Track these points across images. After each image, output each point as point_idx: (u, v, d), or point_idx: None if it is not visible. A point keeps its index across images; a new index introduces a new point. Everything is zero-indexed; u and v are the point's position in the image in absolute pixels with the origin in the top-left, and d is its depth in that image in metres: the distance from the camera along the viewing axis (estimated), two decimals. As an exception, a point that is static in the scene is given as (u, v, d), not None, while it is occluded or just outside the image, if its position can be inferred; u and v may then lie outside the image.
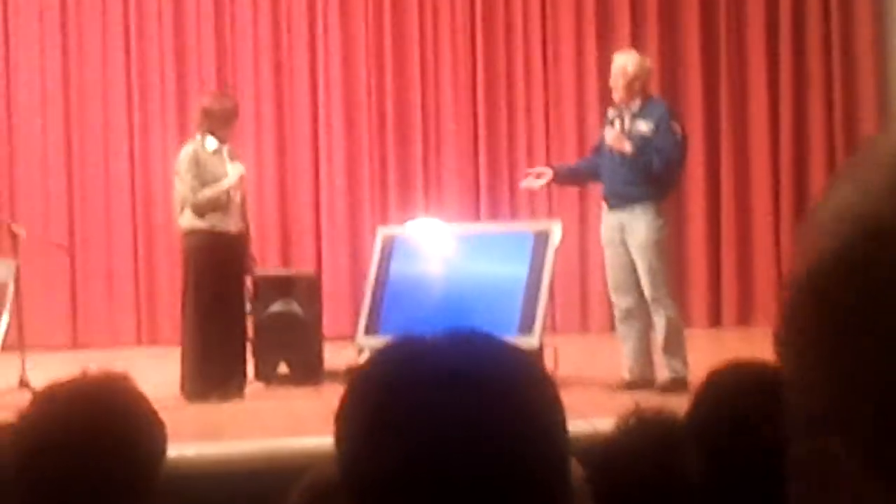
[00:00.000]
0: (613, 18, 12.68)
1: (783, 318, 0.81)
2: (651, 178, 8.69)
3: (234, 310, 8.97)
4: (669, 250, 9.16)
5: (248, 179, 9.59)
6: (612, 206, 8.81)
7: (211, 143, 9.00)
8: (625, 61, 8.95)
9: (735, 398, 2.48)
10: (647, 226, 8.63)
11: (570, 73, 12.62)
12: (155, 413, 2.46)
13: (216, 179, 8.93)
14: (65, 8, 12.24)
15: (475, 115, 12.63)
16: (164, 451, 2.44)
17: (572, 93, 12.58)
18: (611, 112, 8.88)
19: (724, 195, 12.67)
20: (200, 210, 8.88)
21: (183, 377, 8.81)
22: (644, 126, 8.74)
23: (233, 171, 8.99)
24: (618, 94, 8.81)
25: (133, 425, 2.38)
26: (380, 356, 1.52)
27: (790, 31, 12.72)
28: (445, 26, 12.63)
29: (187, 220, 8.95)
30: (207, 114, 9.07)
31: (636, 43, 11.75)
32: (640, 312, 8.74)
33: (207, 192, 8.89)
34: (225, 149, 9.05)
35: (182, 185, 8.98)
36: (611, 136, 8.78)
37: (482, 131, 12.61)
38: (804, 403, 0.80)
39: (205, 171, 8.92)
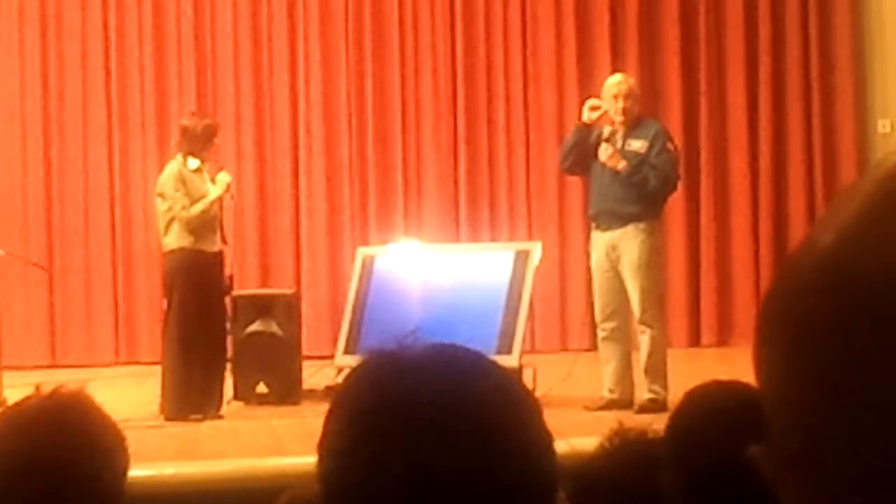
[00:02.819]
0: (593, 40, 12.72)
1: (756, 332, 0.84)
2: (646, 195, 8.69)
3: (215, 329, 8.97)
4: (662, 268, 9.18)
5: (225, 198, 9.57)
6: (602, 227, 8.77)
7: (192, 162, 9.01)
8: (628, 81, 8.98)
9: (712, 417, 2.49)
10: (641, 244, 8.62)
11: (550, 95, 12.65)
12: (115, 427, 2.40)
13: (200, 197, 8.95)
14: (44, 29, 12.22)
15: (455, 135, 12.65)
16: (126, 465, 2.39)
17: (553, 113, 12.60)
18: (606, 130, 8.87)
19: (704, 216, 12.71)
20: (193, 225, 8.87)
21: (163, 396, 8.80)
22: (638, 144, 8.75)
23: (219, 181, 9.00)
24: (618, 114, 8.79)
25: (90, 441, 2.34)
26: (360, 373, 1.51)
27: (769, 49, 12.77)
28: (426, 47, 12.66)
29: (173, 239, 8.94)
30: (187, 133, 9.08)
31: (616, 65, 11.79)
32: (625, 334, 8.75)
33: (199, 207, 8.90)
34: (206, 168, 9.07)
35: (170, 204, 8.94)
36: (605, 153, 8.76)
37: (462, 152, 12.63)
38: (768, 410, 0.82)
39: (191, 189, 8.93)
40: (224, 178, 9.04)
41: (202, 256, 8.89)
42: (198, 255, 8.87)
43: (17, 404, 2.41)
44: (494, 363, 1.54)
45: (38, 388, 2.43)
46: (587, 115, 8.88)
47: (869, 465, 0.77)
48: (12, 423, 2.38)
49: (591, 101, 8.97)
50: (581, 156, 8.90)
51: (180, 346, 8.81)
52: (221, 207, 9.18)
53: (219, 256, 9.07)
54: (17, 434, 2.34)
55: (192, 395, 8.68)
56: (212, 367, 8.83)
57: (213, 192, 8.96)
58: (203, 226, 8.91)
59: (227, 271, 9.27)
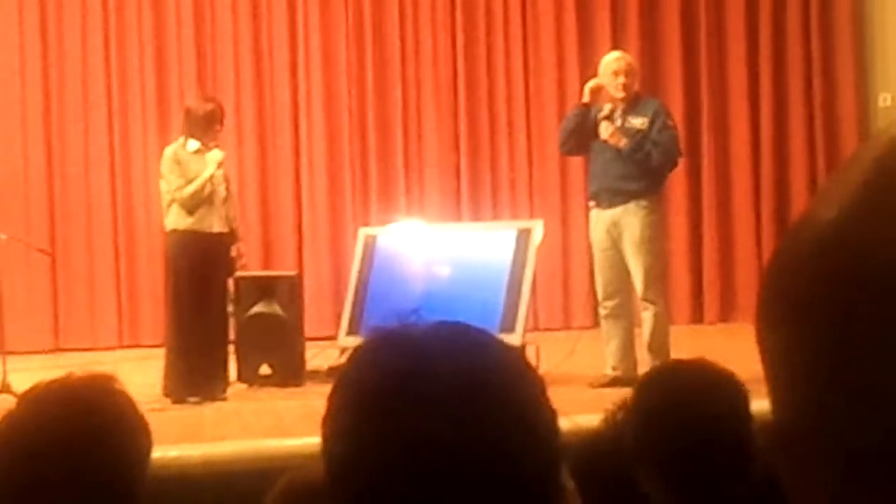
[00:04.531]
0: (594, 20, 12.70)
1: (758, 309, 0.84)
2: (648, 172, 8.69)
3: (216, 311, 8.96)
4: (664, 245, 9.17)
5: (231, 180, 9.54)
6: (603, 205, 8.76)
7: (192, 144, 9.00)
8: (627, 58, 8.98)
9: (667, 398, 2.52)
10: (642, 221, 8.62)
11: (551, 74, 12.64)
12: (140, 415, 2.45)
13: (196, 178, 8.93)
14: (44, 13, 12.20)
15: (456, 115, 12.64)
16: (149, 453, 2.44)
17: (554, 91, 12.59)
18: (606, 108, 8.86)
19: (706, 193, 12.70)
20: (188, 206, 8.87)
21: (166, 378, 8.80)
22: (638, 121, 8.74)
23: (211, 159, 8.96)
24: (618, 90, 8.78)
25: (118, 427, 2.38)
26: (364, 353, 1.51)
27: (770, 25, 12.75)
28: (426, 27, 12.64)
29: (172, 219, 8.94)
30: (189, 116, 9.10)
31: (616, 44, 11.77)
32: (627, 311, 8.74)
33: (191, 187, 8.89)
34: (208, 151, 9.04)
35: (166, 185, 8.98)
36: (606, 131, 8.75)
37: (464, 132, 12.62)
38: (771, 389, 0.82)
39: (187, 171, 8.93)
40: (215, 155, 9.00)
41: (200, 237, 8.86)
42: (195, 236, 8.85)
43: (45, 385, 2.43)
44: (499, 340, 1.54)
45: (69, 373, 2.46)
46: (587, 97, 8.88)
47: (872, 442, 0.77)
48: (38, 403, 2.41)
49: (591, 83, 8.96)
50: (581, 138, 8.89)
51: (180, 327, 8.82)
52: (228, 189, 9.15)
53: (220, 237, 9.03)
54: (43, 413, 2.37)
55: (195, 377, 8.69)
56: (214, 348, 8.83)
57: (206, 171, 8.95)
58: (200, 206, 8.90)
59: (233, 253, 9.23)
